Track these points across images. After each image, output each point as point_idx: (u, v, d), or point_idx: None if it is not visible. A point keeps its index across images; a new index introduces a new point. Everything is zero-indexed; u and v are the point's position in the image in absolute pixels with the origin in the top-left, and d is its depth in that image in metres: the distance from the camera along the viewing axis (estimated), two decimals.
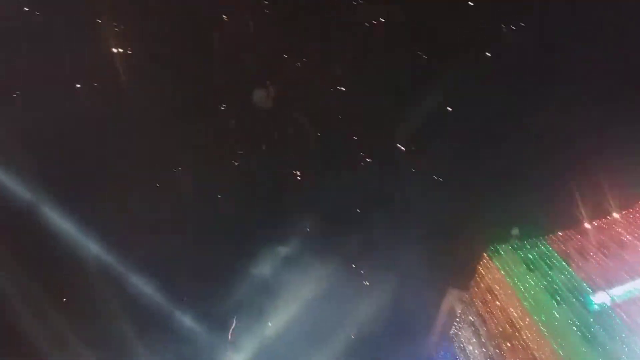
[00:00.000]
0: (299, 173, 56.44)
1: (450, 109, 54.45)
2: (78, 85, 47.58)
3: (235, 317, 57.96)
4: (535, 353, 57.78)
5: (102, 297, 51.19)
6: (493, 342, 65.22)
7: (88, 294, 50.32)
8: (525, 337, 59.94)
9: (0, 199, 43.34)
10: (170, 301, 54.98)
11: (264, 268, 57.72)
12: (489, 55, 52.18)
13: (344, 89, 52.71)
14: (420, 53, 53.11)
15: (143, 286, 52.88)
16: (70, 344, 49.95)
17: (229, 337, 56.95)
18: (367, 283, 56.82)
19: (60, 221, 47.90)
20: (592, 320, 55.08)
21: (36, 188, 45.81)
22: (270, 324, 58.17)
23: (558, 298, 59.27)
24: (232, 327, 57.39)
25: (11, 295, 46.55)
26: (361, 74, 53.07)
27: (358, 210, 60.27)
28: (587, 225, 62.40)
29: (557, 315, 58.27)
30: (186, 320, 57.40)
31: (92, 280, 50.30)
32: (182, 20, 47.80)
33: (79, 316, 49.76)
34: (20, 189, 45.08)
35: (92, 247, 50.15)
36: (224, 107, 53.26)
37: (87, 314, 50.62)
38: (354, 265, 59.20)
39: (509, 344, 62.30)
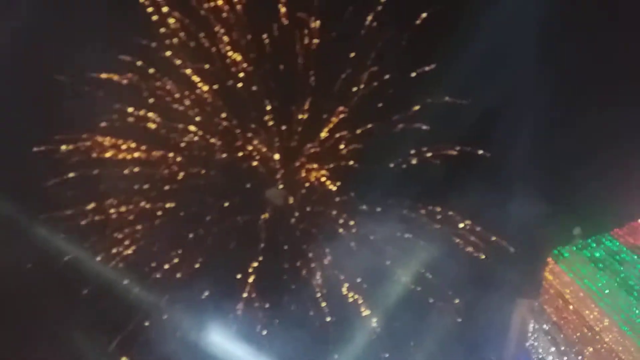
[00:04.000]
0: None
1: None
2: None
3: None
4: (621, 355, 55.67)
5: None
6: (574, 349, 62.85)
7: None
8: (607, 339, 58.10)
9: None
10: None
11: None
12: None
13: None
14: None
15: None
16: None
17: None
18: (431, 300, 54.66)
19: None
20: None
21: None
22: None
23: (636, 294, 57.11)
24: None
25: None
26: None
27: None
28: None
29: (638, 312, 56.27)
30: None
31: None
32: None
33: None
34: None
35: None
36: None
37: None
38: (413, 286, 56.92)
39: (591, 349, 60.12)
